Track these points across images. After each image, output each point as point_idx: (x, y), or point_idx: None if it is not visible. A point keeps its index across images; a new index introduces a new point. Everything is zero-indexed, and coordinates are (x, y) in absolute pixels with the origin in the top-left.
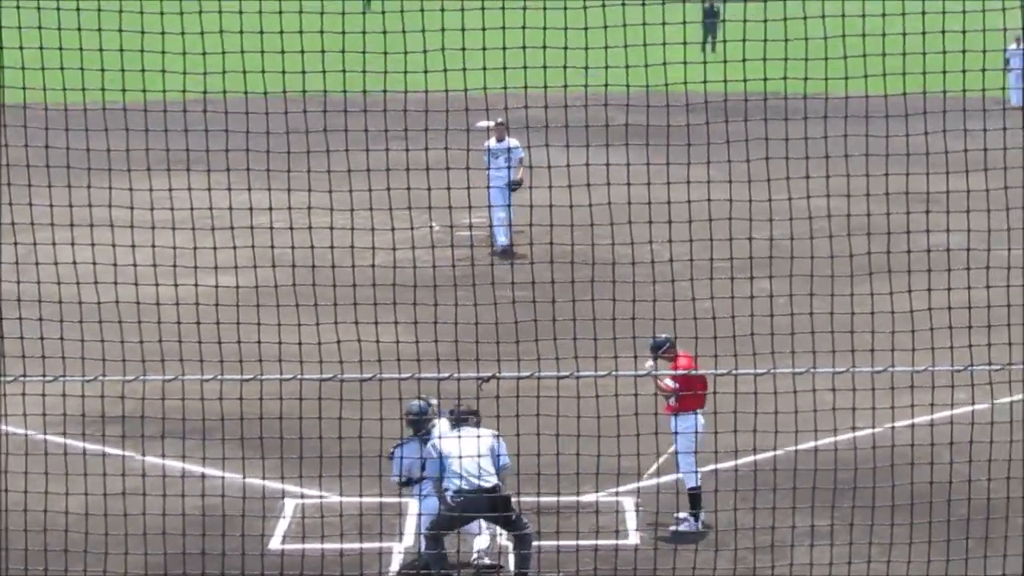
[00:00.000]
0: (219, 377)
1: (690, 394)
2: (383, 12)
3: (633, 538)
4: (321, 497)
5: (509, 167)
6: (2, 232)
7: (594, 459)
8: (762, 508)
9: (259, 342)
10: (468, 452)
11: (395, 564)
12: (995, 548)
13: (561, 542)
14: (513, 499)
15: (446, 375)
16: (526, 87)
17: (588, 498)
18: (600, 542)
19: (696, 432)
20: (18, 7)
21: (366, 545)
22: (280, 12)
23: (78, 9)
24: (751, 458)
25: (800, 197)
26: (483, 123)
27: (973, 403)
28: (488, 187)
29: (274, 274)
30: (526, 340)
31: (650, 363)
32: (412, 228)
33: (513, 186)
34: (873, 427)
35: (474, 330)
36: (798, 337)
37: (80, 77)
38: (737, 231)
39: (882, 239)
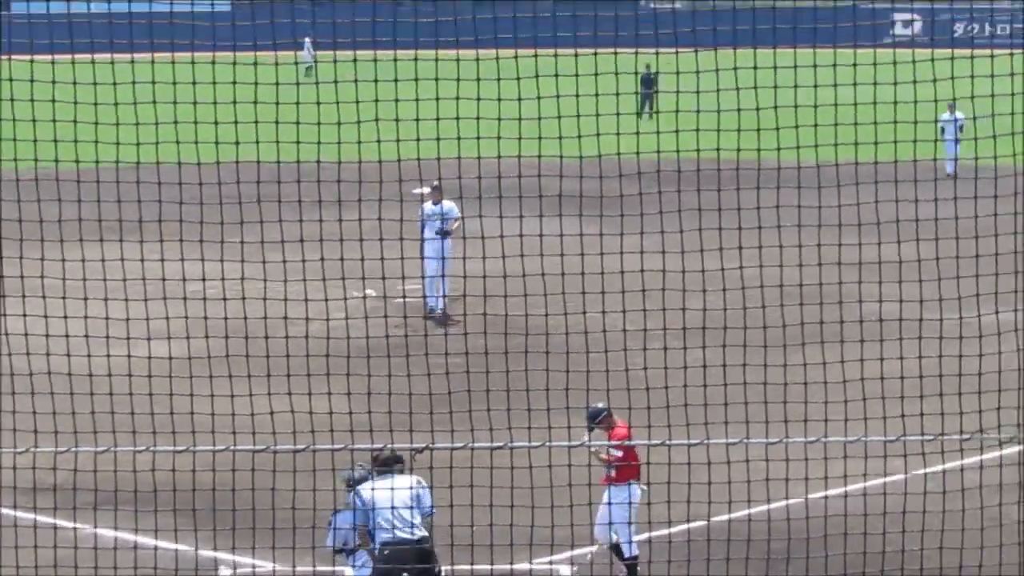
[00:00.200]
0: (152, 448)
1: (625, 464)
2: (316, 83)
3: None
4: (254, 567)
5: (444, 221)
6: None
7: (528, 529)
8: None
9: (192, 413)
10: (393, 502)
11: None
12: None
13: None
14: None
15: (379, 445)
16: (459, 157)
17: (522, 567)
18: None
19: (631, 503)
20: None
21: None
22: (214, 83)
23: (11, 79)
24: (685, 527)
25: (733, 267)
26: (418, 190)
27: (906, 472)
28: (422, 256)
29: (207, 344)
30: (460, 411)
31: (585, 437)
32: (346, 298)
33: (443, 234)
34: (807, 496)
35: (408, 400)
36: (732, 407)
37: (12, 147)
38: (671, 301)
39: (815, 309)
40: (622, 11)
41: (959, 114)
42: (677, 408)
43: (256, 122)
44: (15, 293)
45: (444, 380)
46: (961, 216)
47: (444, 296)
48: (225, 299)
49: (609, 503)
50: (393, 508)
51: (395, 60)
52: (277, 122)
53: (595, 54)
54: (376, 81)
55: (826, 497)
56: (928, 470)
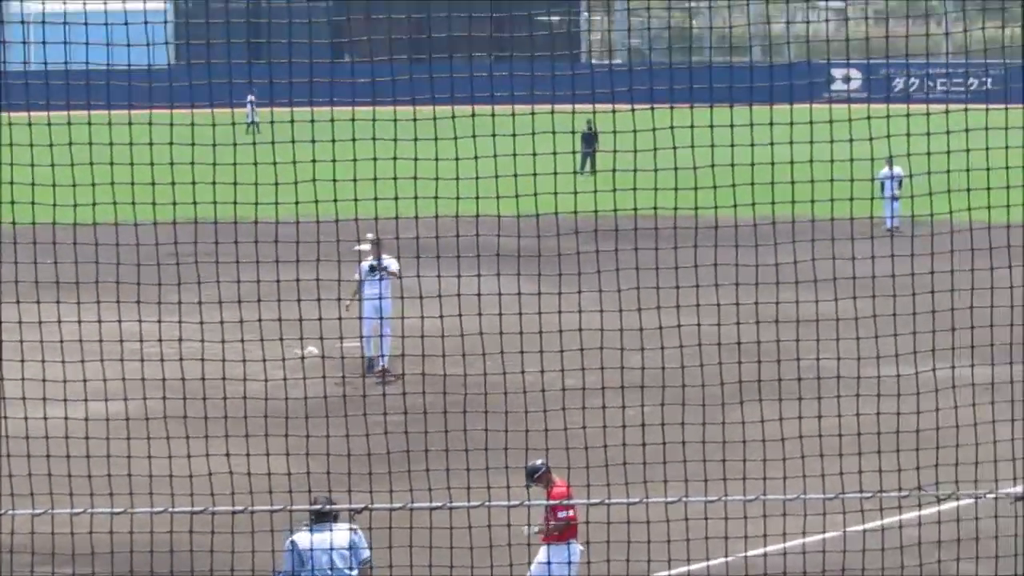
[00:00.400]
0: (89, 510)
1: (565, 523)
2: (254, 144)
3: None
4: None
5: (382, 280)
6: None
7: None
8: None
9: (130, 475)
10: (327, 549)
11: None
12: None
13: None
14: None
15: (318, 507)
16: (397, 217)
17: None
18: None
19: (571, 561)
20: None
21: None
22: (151, 143)
23: None
24: None
25: (671, 325)
26: (357, 247)
27: (845, 529)
28: (361, 316)
29: (145, 405)
30: (399, 470)
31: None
32: (284, 358)
33: (380, 273)
34: (746, 554)
35: (346, 461)
36: (671, 465)
37: None
38: (609, 360)
39: (753, 366)
40: (560, 69)
41: (898, 169)
42: (616, 467)
43: (193, 182)
44: None
45: (383, 439)
46: (899, 273)
47: (384, 356)
48: (163, 359)
49: (548, 562)
50: (331, 556)
51: (332, 120)
52: (215, 182)
53: (532, 113)
54: (313, 141)
55: (765, 555)
56: (867, 526)
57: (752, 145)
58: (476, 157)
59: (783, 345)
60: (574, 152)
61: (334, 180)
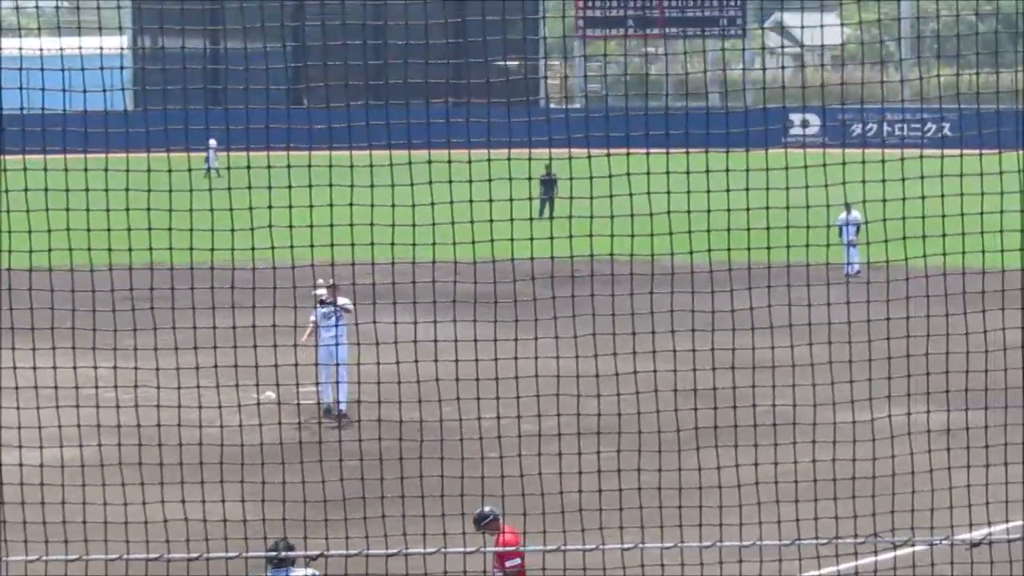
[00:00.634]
0: (44, 558)
1: (517, 570)
2: (210, 189)
3: None
4: None
5: (337, 326)
6: None
7: None
8: None
9: (84, 521)
10: None
11: None
12: None
13: None
14: None
15: (274, 553)
16: (353, 263)
17: None
18: None
19: None
20: None
21: None
22: (107, 189)
23: None
24: None
25: (628, 372)
26: (314, 291)
27: (801, 574)
28: (316, 363)
29: (100, 451)
30: (354, 517)
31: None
32: (239, 404)
33: (335, 315)
34: None
35: (302, 507)
36: (627, 512)
37: None
38: (565, 406)
39: (709, 412)
40: (517, 115)
41: (855, 215)
42: (572, 513)
43: (150, 228)
44: None
45: (339, 485)
46: (854, 319)
47: (341, 402)
48: (118, 405)
49: None
50: None
51: (288, 166)
52: (170, 228)
53: (488, 160)
54: (270, 187)
55: None
56: (823, 572)
57: (708, 192)
58: (432, 203)
59: (739, 391)
60: (530, 198)
61: (290, 226)
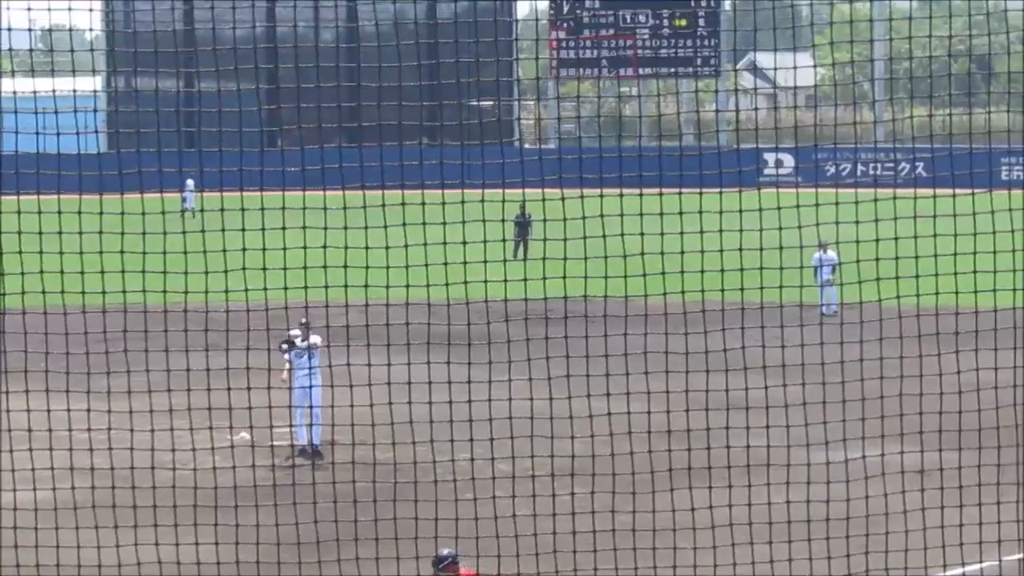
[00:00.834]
0: None
1: None
2: (183, 232)
3: None
4: None
5: (311, 367)
6: None
7: None
8: None
9: (58, 564)
10: None
11: None
12: None
13: None
14: None
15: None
16: (327, 304)
17: None
18: None
19: None
20: None
21: None
22: (80, 232)
23: None
24: None
25: (602, 413)
26: (288, 334)
27: None
28: (291, 405)
29: (73, 494)
30: (328, 559)
31: None
32: (213, 447)
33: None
34: None
35: (276, 549)
36: (600, 553)
37: None
38: (539, 448)
39: (683, 454)
40: (491, 155)
41: (831, 254)
42: (546, 554)
43: (123, 271)
44: None
45: (313, 527)
46: (828, 360)
47: (316, 444)
48: (91, 448)
49: None
50: None
51: (262, 208)
52: (143, 271)
53: (462, 201)
54: (243, 230)
55: None
56: None
57: (682, 233)
58: (406, 245)
59: (713, 432)
60: (504, 240)
61: (264, 268)
